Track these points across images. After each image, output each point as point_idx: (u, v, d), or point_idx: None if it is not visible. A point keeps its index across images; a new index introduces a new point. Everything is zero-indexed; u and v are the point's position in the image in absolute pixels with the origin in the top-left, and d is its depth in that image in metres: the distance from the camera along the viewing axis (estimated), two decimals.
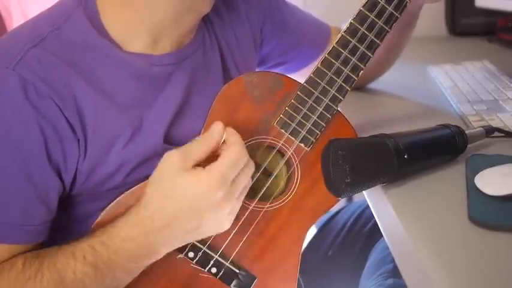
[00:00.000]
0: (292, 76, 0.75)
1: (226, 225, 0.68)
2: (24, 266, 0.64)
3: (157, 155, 0.70)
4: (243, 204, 0.71)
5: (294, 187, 0.73)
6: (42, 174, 0.65)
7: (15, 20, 1.41)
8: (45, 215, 0.67)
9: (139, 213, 0.65)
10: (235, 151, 0.64)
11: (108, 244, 0.64)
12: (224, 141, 0.65)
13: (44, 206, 0.66)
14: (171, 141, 0.72)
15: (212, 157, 0.65)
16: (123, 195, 0.69)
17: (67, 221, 0.72)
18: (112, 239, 0.65)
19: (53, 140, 0.65)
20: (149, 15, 0.69)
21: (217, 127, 0.65)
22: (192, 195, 0.64)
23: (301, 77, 0.72)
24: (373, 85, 1.01)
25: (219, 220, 0.67)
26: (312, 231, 1.08)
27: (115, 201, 0.69)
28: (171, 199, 0.64)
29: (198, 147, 0.65)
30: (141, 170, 0.70)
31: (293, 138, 0.71)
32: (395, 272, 0.88)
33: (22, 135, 0.64)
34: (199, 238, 0.70)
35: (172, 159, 0.64)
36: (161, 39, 0.72)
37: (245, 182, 0.67)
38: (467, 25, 1.43)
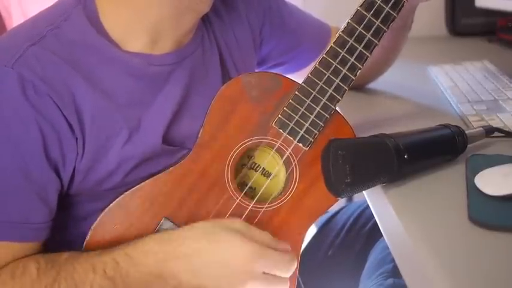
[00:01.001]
0: (292, 76, 0.74)
1: None
2: (38, 273, 0.63)
3: (156, 156, 0.70)
4: (242, 205, 0.71)
5: (293, 187, 0.73)
6: (41, 173, 0.65)
7: (15, 20, 1.41)
8: (46, 214, 0.67)
9: (173, 234, 0.66)
10: (286, 258, 0.67)
11: (130, 256, 0.64)
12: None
13: (44, 205, 0.66)
14: (169, 141, 0.72)
15: None
16: (121, 196, 0.69)
17: (66, 221, 0.72)
18: (136, 251, 0.65)
19: (52, 138, 0.65)
20: (146, 15, 0.69)
21: (287, 245, 0.69)
22: (228, 249, 0.65)
23: (301, 77, 0.72)
24: (372, 85, 1.01)
25: None
26: (312, 231, 1.08)
27: (114, 202, 0.69)
28: (208, 239, 0.65)
29: (263, 235, 0.67)
30: (140, 170, 0.70)
31: (291, 138, 0.71)
32: (395, 272, 0.88)
33: (21, 133, 0.63)
34: None
35: (237, 221, 0.68)
36: (160, 39, 0.71)
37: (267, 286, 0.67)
38: (467, 25, 1.43)
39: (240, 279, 0.65)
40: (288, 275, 0.68)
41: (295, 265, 0.69)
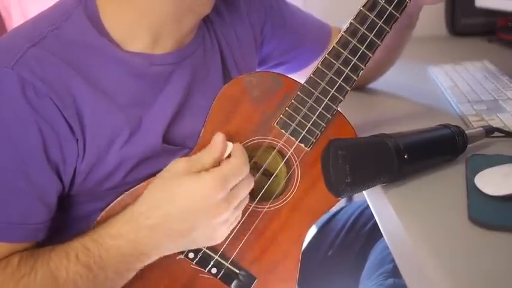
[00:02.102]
0: (293, 76, 0.74)
1: (219, 237, 0.68)
2: (19, 263, 0.64)
3: (156, 155, 0.70)
4: None
5: (294, 187, 0.73)
6: (41, 174, 0.65)
7: (15, 20, 1.41)
8: (44, 214, 0.67)
9: (134, 210, 0.66)
10: (237, 160, 0.66)
11: (99, 242, 0.65)
12: (230, 155, 0.67)
13: (43, 205, 0.66)
14: (170, 140, 0.72)
15: None
16: (122, 196, 0.69)
17: (66, 221, 0.72)
18: (103, 236, 0.65)
19: (52, 140, 0.65)
20: (147, 15, 0.69)
21: (218, 137, 0.67)
22: (190, 196, 0.64)
23: (301, 77, 0.72)
24: (373, 85, 1.01)
25: (213, 228, 0.67)
26: (312, 231, 1.08)
27: (114, 202, 0.69)
28: (168, 198, 0.65)
29: (204, 156, 0.67)
30: (140, 169, 0.70)
31: (293, 139, 0.71)
32: (395, 272, 0.88)
33: (21, 134, 0.63)
34: (192, 246, 0.69)
35: (178, 163, 0.66)
36: (161, 39, 0.71)
37: (243, 194, 0.67)
38: (467, 25, 1.43)
39: (218, 210, 0.65)
40: (246, 171, 0.67)
41: (245, 158, 0.67)
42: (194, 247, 0.70)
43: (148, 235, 0.65)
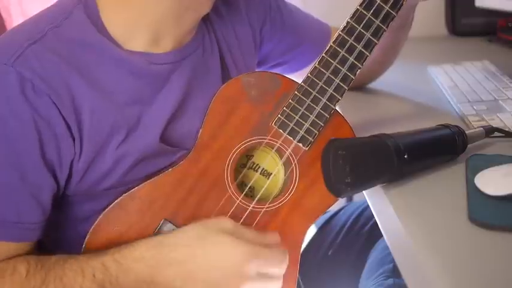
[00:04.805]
0: (292, 76, 0.74)
1: None
2: (28, 273, 0.63)
3: (154, 155, 0.70)
4: (242, 205, 0.71)
5: (293, 187, 0.73)
6: (37, 173, 0.65)
7: (15, 20, 1.41)
8: (39, 215, 0.66)
9: (164, 239, 0.66)
10: (281, 257, 0.68)
11: (120, 262, 0.64)
12: None
13: (37, 205, 0.66)
14: (167, 140, 0.71)
15: None
16: (121, 197, 0.69)
17: (65, 221, 0.72)
18: (125, 257, 0.65)
19: (48, 138, 0.64)
20: (146, 13, 0.69)
21: (277, 236, 0.70)
22: (221, 254, 0.65)
23: (301, 77, 0.72)
24: (373, 85, 1.01)
25: None
26: (312, 231, 1.08)
27: (113, 204, 0.68)
28: (200, 244, 0.65)
29: (252, 233, 0.68)
30: (138, 170, 0.70)
31: (291, 138, 0.71)
32: (395, 272, 0.88)
33: (18, 132, 0.63)
34: None
35: (227, 223, 0.68)
36: (161, 38, 0.71)
37: (264, 286, 0.68)
38: (467, 25, 1.43)
39: (235, 282, 0.65)
40: (281, 271, 0.68)
41: (287, 259, 0.69)
42: None
43: (167, 267, 0.65)
